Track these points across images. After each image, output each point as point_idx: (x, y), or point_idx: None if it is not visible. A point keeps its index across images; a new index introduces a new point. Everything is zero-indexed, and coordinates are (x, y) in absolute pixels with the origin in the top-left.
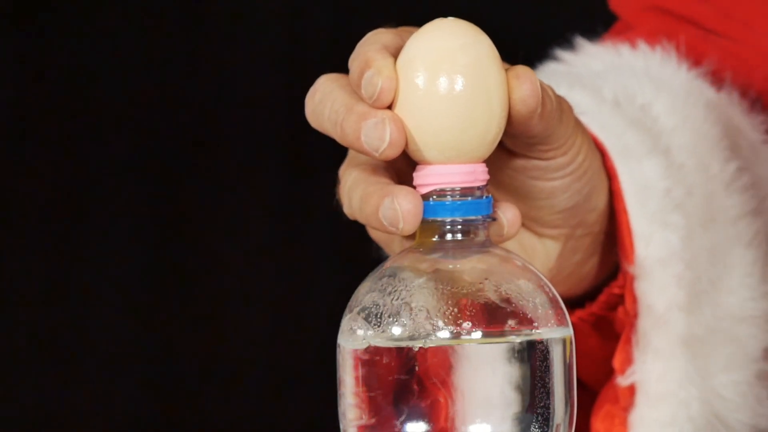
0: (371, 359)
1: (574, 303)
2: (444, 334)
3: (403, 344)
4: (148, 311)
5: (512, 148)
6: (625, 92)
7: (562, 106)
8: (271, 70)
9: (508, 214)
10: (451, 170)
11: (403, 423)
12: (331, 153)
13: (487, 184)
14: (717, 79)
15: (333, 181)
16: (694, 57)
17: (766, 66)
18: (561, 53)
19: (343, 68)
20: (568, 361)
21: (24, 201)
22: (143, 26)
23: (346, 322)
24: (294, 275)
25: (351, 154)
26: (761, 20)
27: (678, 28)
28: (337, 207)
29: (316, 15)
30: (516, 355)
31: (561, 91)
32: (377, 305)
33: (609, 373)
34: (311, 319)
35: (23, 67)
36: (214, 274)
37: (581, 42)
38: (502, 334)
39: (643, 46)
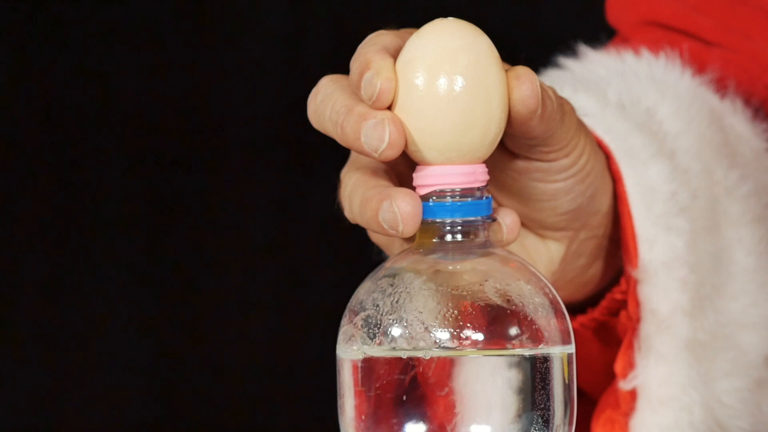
0: (369, 370)
1: (575, 308)
2: (442, 345)
3: (401, 355)
4: (147, 312)
5: (514, 150)
6: (630, 96)
7: (564, 108)
8: (272, 70)
9: (507, 219)
10: (451, 171)
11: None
12: (332, 154)
13: (487, 185)
14: (720, 88)
15: (333, 182)
16: (696, 66)
17: (767, 76)
18: (564, 60)
19: (344, 69)
20: (568, 367)
21: (24, 201)
22: (144, 26)
23: (344, 331)
24: (294, 276)
25: (352, 156)
26: (760, 32)
27: (678, 40)
28: (337, 210)
29: (316, 16)
30: (516, 363)
31: (564, 94)
32: (376, 309)
33: (609, 380)
34: (312, 320)
35: (23, 67)
36: (215, 275)
37: (584, 49)
38: (502, 341)
39: (646, 53)
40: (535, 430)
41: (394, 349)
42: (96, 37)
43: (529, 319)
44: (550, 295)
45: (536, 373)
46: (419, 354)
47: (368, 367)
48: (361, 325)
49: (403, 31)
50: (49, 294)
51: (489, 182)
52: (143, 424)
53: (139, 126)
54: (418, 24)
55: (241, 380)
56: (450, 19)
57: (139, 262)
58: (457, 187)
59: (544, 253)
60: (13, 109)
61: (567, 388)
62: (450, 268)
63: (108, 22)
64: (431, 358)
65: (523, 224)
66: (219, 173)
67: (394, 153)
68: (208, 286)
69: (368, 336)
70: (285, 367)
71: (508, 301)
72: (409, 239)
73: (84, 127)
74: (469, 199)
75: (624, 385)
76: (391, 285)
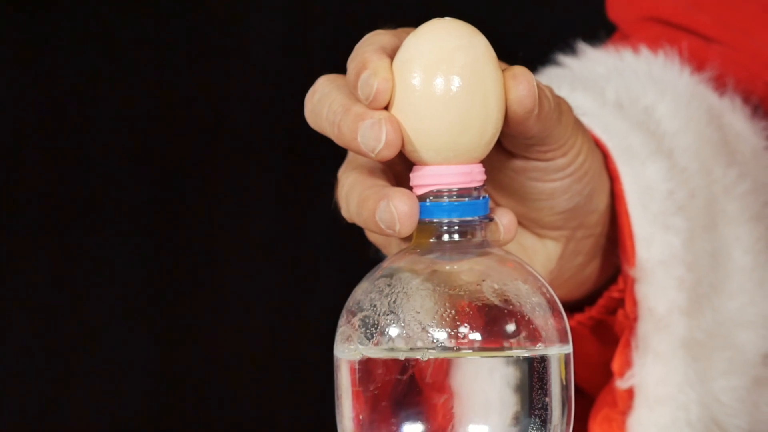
0: (366, 370)
1: (573, 307)
2: (440, 345)
3: (399, 355)
4: (148, 311)
5: (511, 149)
6: (629, 94)
7: (561, 107)
8: (272, 70)
9: (504, 219)
10: (448, 171)
11: None
12: (331, 153)
13: (484, 185)
14: (719, 85)
15: (331, 181)
16: (696, 63)
17: (767, 74)
18: (563, 58)
19: (342, 69)
20: (566, 366)
21: (24, 200)
22: (143, 26)
23: (341, 332)
24: (294, 275)
25: (350, 156)
26: (760, 29)
27: (678, 37)
28: (335, 209)
29: (316, 15)
30: (514, 363)
31: (562, 93)
32: (373, 310)
33: (606, 379)
34: (311, 319)
35: (23, 67)
36: (214, 275)
37: (583, 46)
38: (499, 341)
39: (645, 50)
40: (532, 429)
41: (391, 349)
42: (95, 37)
43: (526, 318)
44: (548, 295)
45: (534, 372)
46: (416, 354)
47: (365, 367)
48: (359, 326)
49: (400, 31)
50: (50, 293)
51: (486, 182)
52: (143, 424)
53: (139, 125)
54: (415, 24)
55: (241, 380)
56: (447, 19)
57: (139, 262)
58: (454, 187)
59: (542, 252)
60: (14, 109)
61: (564, 387)
62: (447, 268)
63: (107, 22)
64: (428, 358)
65: (521, 223)
66: (217, 172)
67: (390, 153)
68: (209, 286)
69: (365, 336)
70: (285, 366)
71: (506, 300)
72: (407, 239)
73: (84, 127)
74: (466, 198)
75: (621, 383)
76: (389, 285)
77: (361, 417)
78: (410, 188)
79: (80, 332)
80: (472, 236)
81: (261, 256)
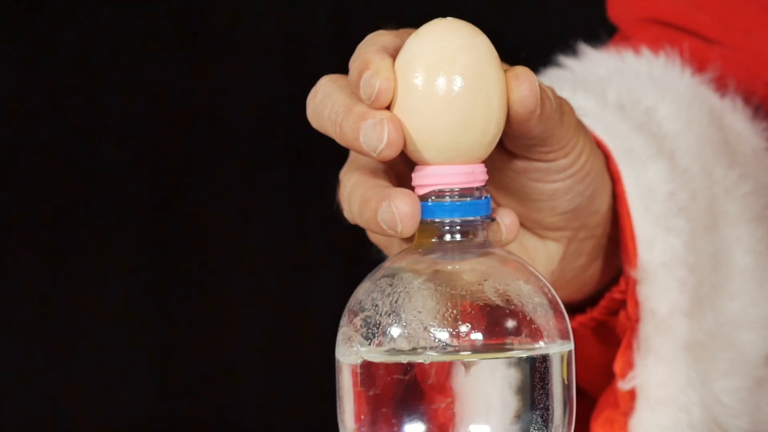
0: (368, 370)
1: (575, 308)
2: (441, 345)
3: (400, 356)
4: (147, 311)
5: (513, 150)
6: (630, 96)
7: (563, 108)
8: (272, 70)
9: (506, 219)
10: (450, 171)
11: None
12: (332, 153)
13: (486, 185)
14: (720, 86)
15: (333, 182)
16: (697, 64)
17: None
18: (564, 59)
19: (343, 69)
20: (567, 367)
21: (24, 201)
22: (143, 26)
23: (342, 332)
24: (294, 275)
25: (352, 156)
26: (761, 29)
27: (678, 38)
28: (337, 210)
29: (316, 15)
30: (515, 363)
31: (564, 94)
32: (375, 310)
33: (608, 380)
34: (312, 320)
35: (23, 67)
36: (215, 275)
37: (584, 48)
38: (501, 341)
39: (646, 51)
40: (534, 429)
41: (393, 349)
42: (95, 38)
43: (528, 318)
44: (549, 295)
45: (535, 372)
46: (418, 354)
47: (367, 367)
48: (360, 326)
49: (402, 31)
50: (50, 294)
51: (488, 182)
52: (143, 424)
53: (139, 125)
54: (417, 24)
55: (242, 380)
56: (449, 19)
57: (139, 262)
58: (456, 187)
59: (543, 253)
60: (13, 107)
61: (566, 387)
62: (449, 267)
63: (107, 22)
64: (430, 359)
65: (522, 224)
66: (219, 173)
67: (392, 153)
68: (209, 286)
69: (367, 336)
70: (285, 367)
71: (507, 300)
72: (408, 239)
73: (84, 127)
74: (468, 198)
75: (623, 385)
76: (390, 285)
77: (363, 417)
78: (412, 188)
79: (80, 333)
80: (474, 236)
81: (262, 256)
